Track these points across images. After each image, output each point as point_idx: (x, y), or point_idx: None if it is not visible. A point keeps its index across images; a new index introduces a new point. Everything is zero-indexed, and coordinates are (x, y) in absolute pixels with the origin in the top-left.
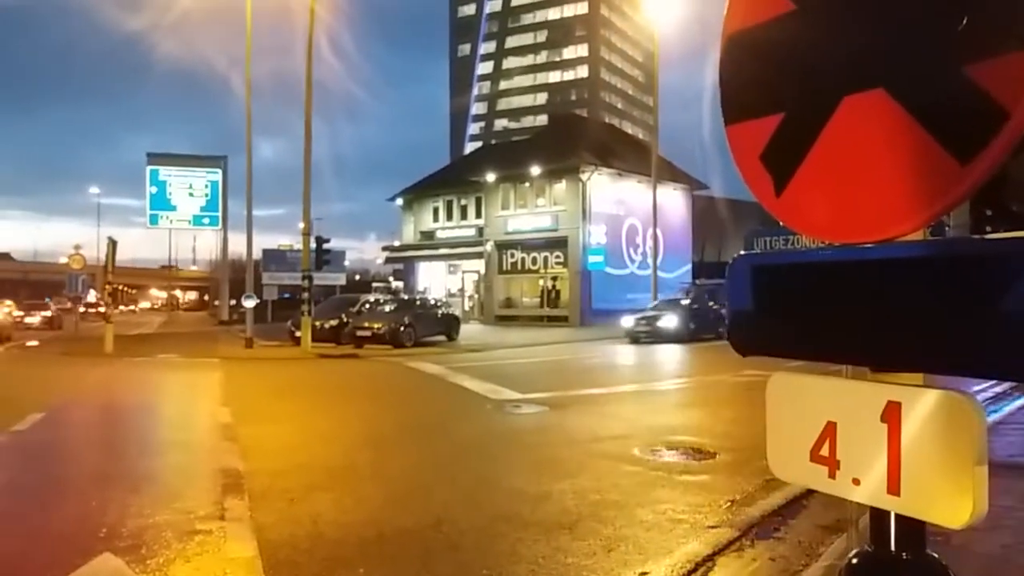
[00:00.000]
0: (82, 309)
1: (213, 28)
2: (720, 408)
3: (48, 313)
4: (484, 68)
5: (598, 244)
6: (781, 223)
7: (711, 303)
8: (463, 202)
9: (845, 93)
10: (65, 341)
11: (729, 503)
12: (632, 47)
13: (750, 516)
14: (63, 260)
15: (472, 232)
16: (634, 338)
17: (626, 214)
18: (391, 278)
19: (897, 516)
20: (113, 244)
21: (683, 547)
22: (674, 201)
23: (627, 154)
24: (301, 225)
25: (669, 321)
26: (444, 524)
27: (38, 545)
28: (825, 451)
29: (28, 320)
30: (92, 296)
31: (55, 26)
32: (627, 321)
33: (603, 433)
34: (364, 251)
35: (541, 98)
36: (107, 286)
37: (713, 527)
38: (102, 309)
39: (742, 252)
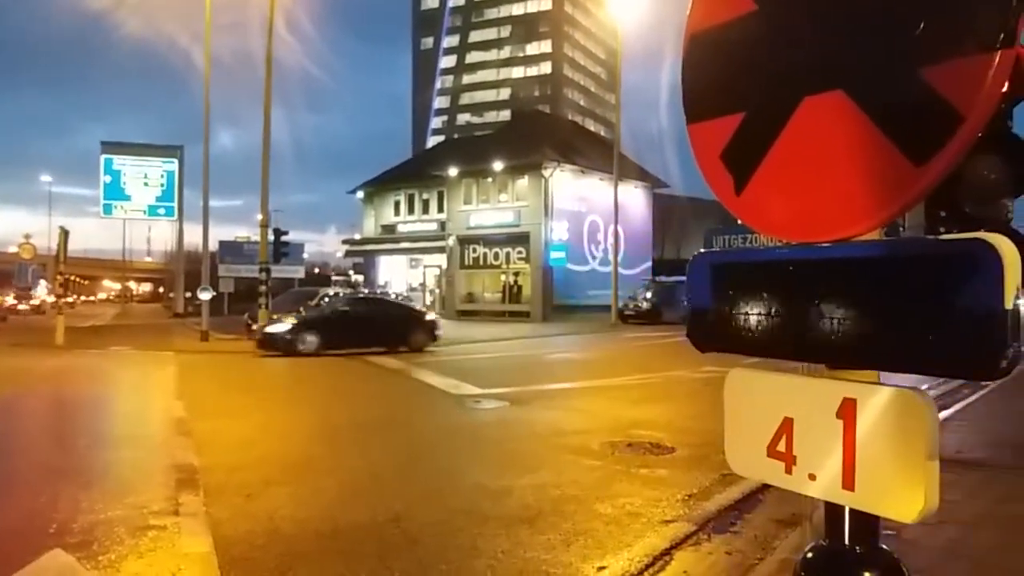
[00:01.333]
0: (23, 306)
1: (172, 13)
2: (680, 403)
3: None
4: (447, 62)
5: (560, 240)
6: (740, 221)
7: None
8: (425, 196)
9: (805, 94)
10: (13, 332)
11: (687, 497)
12: (595, 44)
13: (707, 510)
14: (13, 249)
15: (434, 226)
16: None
17: (588, 211)
18: (351, 272)
19: (851, 511)
20: (65, 233)
21: (641, 541)
22: (635, 199)
23: (589, 151)
24: (259, 216)
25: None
26: (402, 519)
27: None
28: (782, 447)
29: None
30: (43, 287)
31: (8, 11)
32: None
33: (565, 428)
34: (324, 244)
35: (504, 93)
36: (59, 276)
37: (671, 521)
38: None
39: (702, 250)
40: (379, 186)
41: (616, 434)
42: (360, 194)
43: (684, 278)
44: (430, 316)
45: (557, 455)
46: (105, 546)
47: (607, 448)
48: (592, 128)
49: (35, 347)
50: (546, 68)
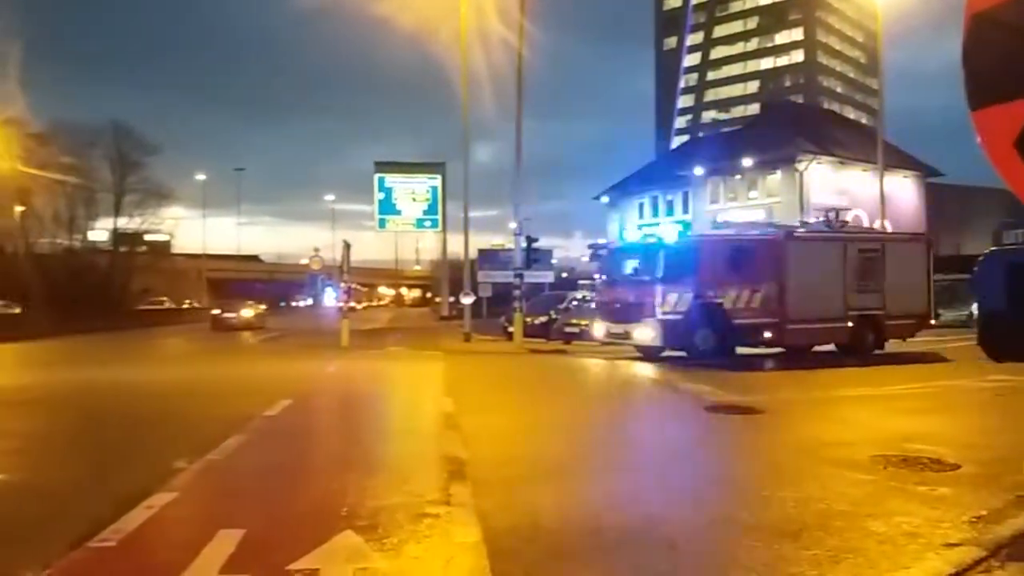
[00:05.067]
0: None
1: (435, 39)
2: (963, 416)
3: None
4: (691, 60)
5: None
6: None
7: None
8: (669, 197)
9: None
10: (304, 335)
11: (974, 519)
12: (852, 27)
13: (1000, 535)
14: (303, 261)
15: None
16: None
17: (849, 205)
18: (596, 276)
19: None
20: (347, 246)
21: (920, 564)
22: (904, 190)
23: (849, 141)
24: (512, 225)
25: None
26: (660, 523)
27: (289, 520)
28: None
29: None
30: (329, 295)
31: (296, 50)
32: None
33: (828, 438)
34: (569, 249)
35: (752, 87)
36: (342, 284)
37: (955, 544)
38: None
39: (992, 248)
40: (623, 190)
41: (887, 447)
42: (605, 199)
43: (965, 276)
44: None
45: (820, 467)
46: (388, 530)
47: (878, 462)
48: (852, 116)
49: (324, 348)
50: (797, 56)
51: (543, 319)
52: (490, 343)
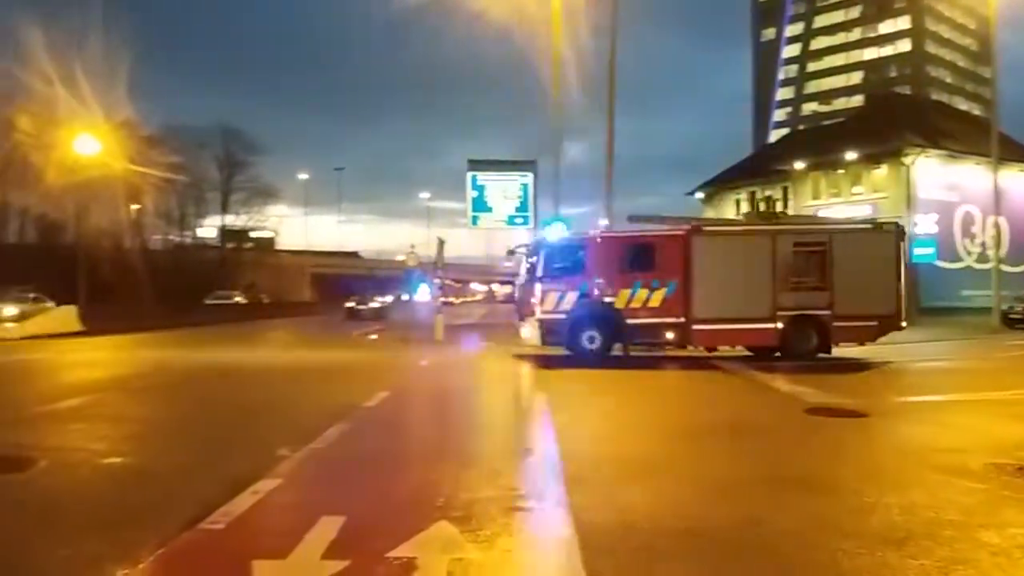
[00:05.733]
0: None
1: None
2: None
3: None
4: (790, 51)
5: (927, 235)
6: None
7: None
8: (768, 192)
9: None
10: (402, 328)
11: None
12: (962, 14)
13: None
14: (400, 258)
15: None
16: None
17: (960, 200)
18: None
19: None
20: (441, 243)
21: None
22: (1021, 184)
23: (960, 133)
24: (603, 222)
25: None
26: (759, 526)
27: (387, 508)
28: None
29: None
30: (424, 291)
31: (393, 52)
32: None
33: (936, 444)
34: None
35: (855, 78)
36: (436, 280)
37: None
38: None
39: None
40: (718, 186)
41: (1002, 455)
42: (699, 195)
43: None
44: None
45: (927, 474)
46: (482, 522)
47: (991, 470)
48: (963, 107)
49: (419, 342)
50: (904, 46)
51: None
52: None
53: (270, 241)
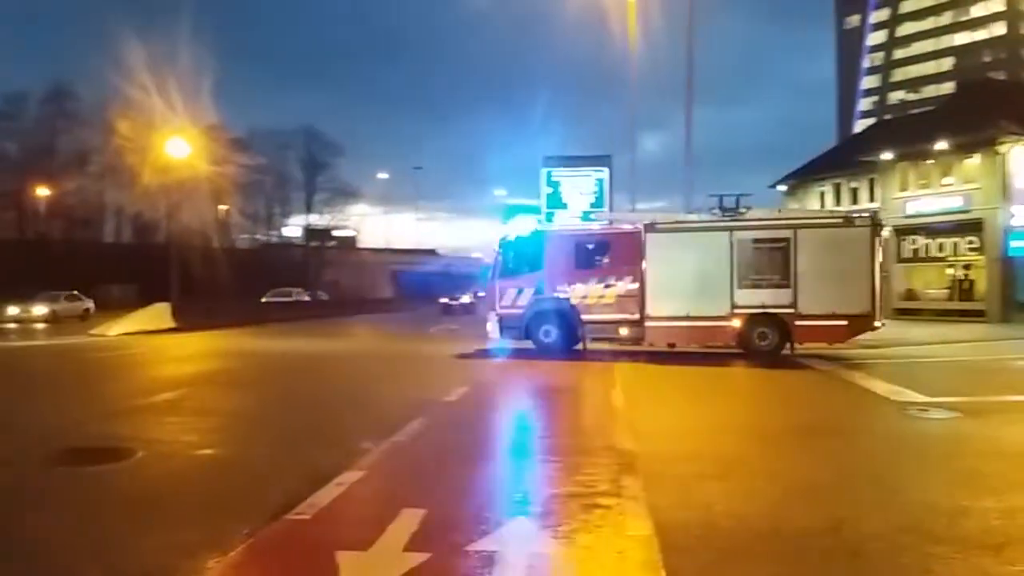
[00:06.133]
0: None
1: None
2: None
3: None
4: (876, 38)
5: (1023, 227)
6: None
7: None
8: (853, 184)
9: None
10: (478, 324)
11: None
12: None
13: None
14: (476, 255)
15: None
16: None
17: None
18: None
19: None
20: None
21: None
22: None
23: None
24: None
25: None
26: (842, 529)
27: (467, 502)
28: None
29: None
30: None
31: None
32: None
33: None
34: None
35: (945, 64)
36: None
37: None
38: None
39: None
40: (802, 177)
41: None
42: (782, 187)
43: None
44: None
45: None
46: (561, 518)
47: None
48: None
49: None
50: (998, 29)
51: None
52: None
53: (352, 239)
